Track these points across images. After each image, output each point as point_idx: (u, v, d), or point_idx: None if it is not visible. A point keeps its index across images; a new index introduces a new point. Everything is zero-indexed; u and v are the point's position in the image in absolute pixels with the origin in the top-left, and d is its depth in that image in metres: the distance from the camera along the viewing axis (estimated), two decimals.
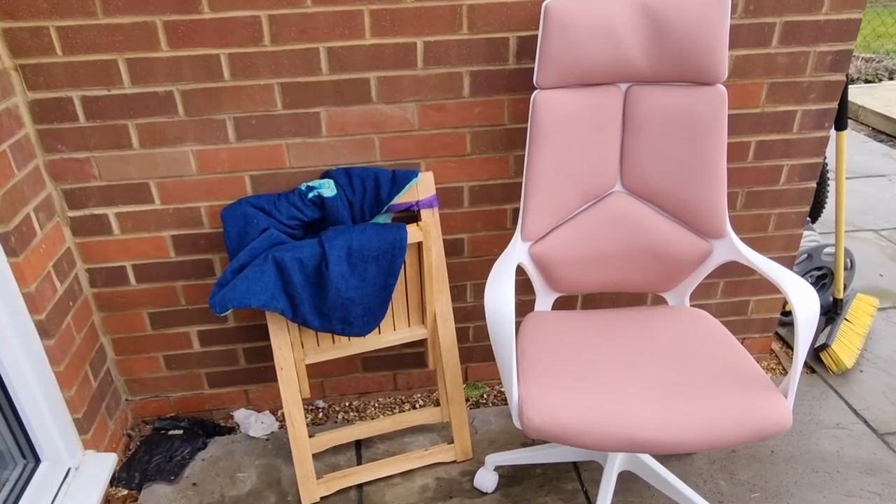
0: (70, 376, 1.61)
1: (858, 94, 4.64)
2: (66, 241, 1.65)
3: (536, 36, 1.56)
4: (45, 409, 1.55)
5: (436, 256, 1.67)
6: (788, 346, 2.20)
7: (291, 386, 1.63)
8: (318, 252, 1.51)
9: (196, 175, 1.62)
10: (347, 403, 2.03)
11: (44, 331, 1.52)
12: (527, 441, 1.86)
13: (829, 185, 2.68)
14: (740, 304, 2.03)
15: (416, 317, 1.75)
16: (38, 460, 1.64)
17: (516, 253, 1.50)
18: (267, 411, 1.99)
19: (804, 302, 1.28)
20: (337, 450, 1.85)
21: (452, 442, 1.80)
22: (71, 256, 1.66)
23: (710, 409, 1.26)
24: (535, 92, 1.45)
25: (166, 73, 1.50)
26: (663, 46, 1.41)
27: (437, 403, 2.03)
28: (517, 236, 1.54)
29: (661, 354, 1.44)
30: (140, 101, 1.52)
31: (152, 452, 1.83)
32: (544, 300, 1.66)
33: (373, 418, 1.97)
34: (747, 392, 1.30)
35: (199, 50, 1.49)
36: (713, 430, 1.23)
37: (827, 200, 2.68)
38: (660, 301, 1.98)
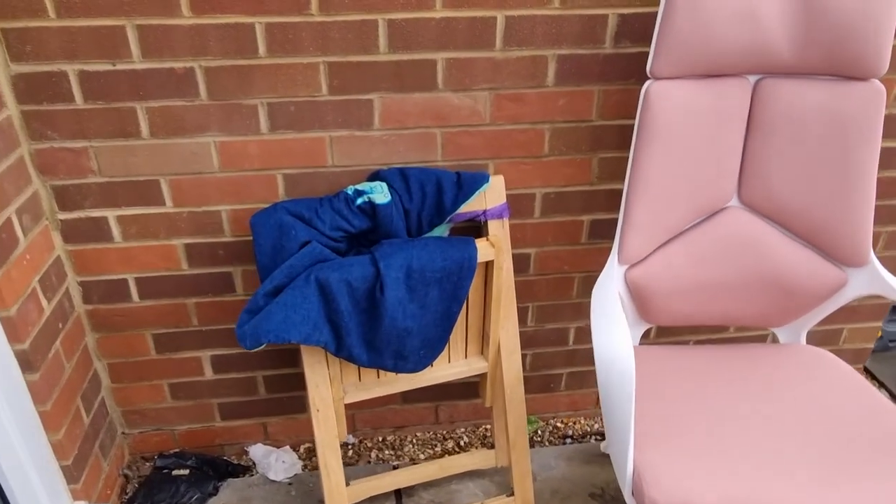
0: (58, 416, 1.32)
1: None
2: (56, 249, 1.35)
3: (641, 14, 1.28)
4: (25, 460, 1.25)
5: (506, 277, 1.39)
6: (879, 381, 1.94)
7: (329, 429, 1.34)
8: (370, 273, 1.23)
9: (218, 172, 1.33)
10: (381, 439, 1.75)
11: (26, 363, 1.22)
12: (594, 491, 1.59)
13: None
14: (833, 332, 1.78)
15: (475, 347, 1.48)
16: None
17: (614, 280, 1.22)
18: (287, 447, 1.70)
19: None
20: (374, 499, 1.57)
21: (511, 493, 1.53)
22: (61, 267, 1.36)
23: (880, 494, 1.00)
24: (648, 82, 1.17)
25: (187, 44, 1.20)
26: (813, 29, 1.13)
27: (485, 440, 1.75)
28: (613, 259, 1.26)
29: (796, 411, 1.17)
30: (153, 78, 1.22)
31: (153, 498, 1.54)
32: (632, 332, 1.39)
33: (411, 457, 1.70)
34: None
35: (230, 17, 1.19)
36: None
37: None
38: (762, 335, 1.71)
